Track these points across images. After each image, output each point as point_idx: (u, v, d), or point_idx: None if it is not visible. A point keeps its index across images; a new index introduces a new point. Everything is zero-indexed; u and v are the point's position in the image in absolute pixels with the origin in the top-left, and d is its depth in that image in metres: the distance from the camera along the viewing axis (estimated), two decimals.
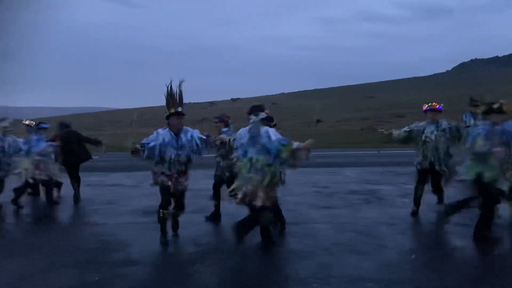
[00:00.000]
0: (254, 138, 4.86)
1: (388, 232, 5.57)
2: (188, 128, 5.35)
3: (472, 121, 6.55)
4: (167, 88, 5.11)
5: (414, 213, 6.40)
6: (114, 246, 5.18)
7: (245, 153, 4.92)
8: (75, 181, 8.38)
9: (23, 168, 7.68)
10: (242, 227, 4.89)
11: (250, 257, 4.81)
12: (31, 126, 8.20)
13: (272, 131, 4.92)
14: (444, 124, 6.33)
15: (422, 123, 6.45)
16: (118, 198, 8.43)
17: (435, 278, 3.96)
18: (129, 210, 7.31)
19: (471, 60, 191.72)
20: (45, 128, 8.06)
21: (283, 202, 7.47)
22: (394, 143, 7.03)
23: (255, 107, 5.07)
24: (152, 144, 5.10)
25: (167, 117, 5.20)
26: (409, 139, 6.53)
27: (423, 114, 6.53)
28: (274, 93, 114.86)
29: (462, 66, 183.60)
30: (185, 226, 5.79)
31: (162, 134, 5.16)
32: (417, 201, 6.45)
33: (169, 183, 5.15)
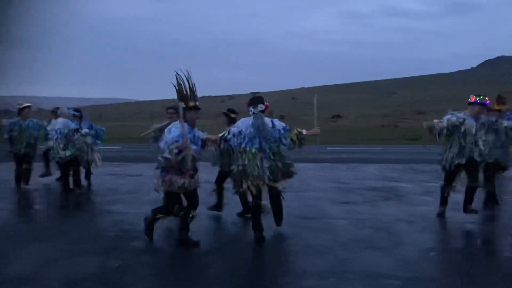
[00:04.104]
0: (259, 129, 4.89)
1: (407, 229, 5.53)
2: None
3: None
4: (184, 80, 4.83)
5: (441, 214, 6.13)
6: (135, 234, 5.28)
7: (251, 144, 4.92)
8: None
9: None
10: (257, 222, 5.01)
11: (268, 249, 4.86)
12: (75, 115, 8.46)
13: (276, 121, 5.14)
14: (483, 119, 5.95)
15: (460, 114, 5.89)
16: (139, 188, 8.57)
17: (453, 277, 3.93)
18: (150, 200, 7.42)
19: (497, 57, 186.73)
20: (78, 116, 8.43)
21: (303, 197, 7.52)
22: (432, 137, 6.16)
23: (255, 99, 5.13)
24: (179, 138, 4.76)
25: (184, 111, 4.85)
26: (447, 130, 5.84)
27: (467, 106, 5.94)
28: (294, 87, 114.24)
29: (487, 63, 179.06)
30: (205, 218, 5.87)
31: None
32: (444, 201, 6.15)
33: (183, 181, 4.76)
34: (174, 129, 4.76)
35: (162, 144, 4.79)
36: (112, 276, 3.97)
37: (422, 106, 54.80)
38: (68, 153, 7.95)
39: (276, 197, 5.33)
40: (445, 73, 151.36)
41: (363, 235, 5.27)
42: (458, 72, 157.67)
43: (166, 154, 4.65)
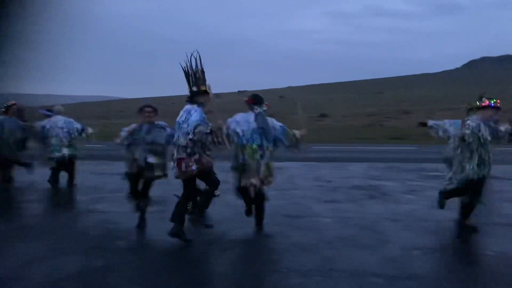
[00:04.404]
0: (264, 127, 5.01)
1: (391, 227, 5.59)
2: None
3: None
4: (196, 63, 4.81)
5: (474, 228, 5.47)
6: (119, 233, 5.24)
7: (252, 140, 5.02)
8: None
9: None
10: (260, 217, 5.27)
11: (253, 248, 4.86)
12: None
13: (274, 120, 5.29)
14: (491, 124, 5.28)
15: (474, 121, 5.21)
16: (124, 187, 8.47)
17: (437, 275, 3.98)
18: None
19: (481, 58, 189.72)
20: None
21: (289, 196, 7.55)
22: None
23: (258, 97, 5.25)
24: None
25: (196, 95, 4.85)
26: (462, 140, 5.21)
27: (469, 110, 5.42)
28: (281, 86, 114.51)
29: (472, 64, 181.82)
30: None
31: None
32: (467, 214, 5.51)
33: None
34: (195, 113, 4.74)
35: (183, 130, 4.74)
36: (96, 276, 3.93)
37: (407, 105, 55.41)
38: (69, 151, 8.00)
39: (260, 197, 5.34)
40: (430, 73, 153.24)
41: (347, 233, 5.31)
42: (443, 72, 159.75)
43: (191, 136, 4.66)
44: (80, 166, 8.95)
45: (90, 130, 8.42)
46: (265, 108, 5.19)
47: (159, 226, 5.32)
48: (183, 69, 4.86)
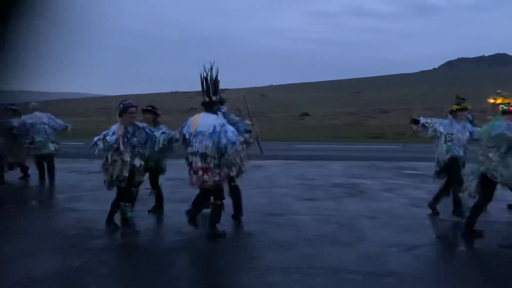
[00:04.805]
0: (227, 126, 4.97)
1: (369, 225, 5.66)
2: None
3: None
4: (212, 73, 5.00)
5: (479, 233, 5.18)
6: (96, 232, 5.17)
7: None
8: None
9: None
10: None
11: (232, 246, 4.85)
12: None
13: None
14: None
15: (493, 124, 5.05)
16: (101, 185, 8.36)
17: (413, 271, 4.05)
18: (113, 197, 7.27)
19: (458, 59, 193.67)
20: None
21: (269, 194, 7.56)
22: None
23: (222, 99, 5.39)
24: None
25: (215, 104, 5.03)
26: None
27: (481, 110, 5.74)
28: (263, 85, 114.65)
29: (449, 65, 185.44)
30: (169, 215, 5.81)
31: None
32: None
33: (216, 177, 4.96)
34: (230, 129, 4.85)
35: (211, 140, 4.77)
36: (73, 276, 3.86)
37: (386, 105, 56.18)
38: (54, 147, 8.10)
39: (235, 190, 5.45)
40: (408, 73, 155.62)
41: (326, 231, 5.35)
42: (421, 72, 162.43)
43: (229, 151, 4.78)
44: (57, 164, 8.80)
45: (70, 126, 8.50)
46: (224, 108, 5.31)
47: (138, 225, 5.27)
48: (203, 79, 4.98)
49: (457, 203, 6.01)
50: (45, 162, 8.27)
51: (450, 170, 6.07)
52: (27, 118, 8.12)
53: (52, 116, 8.29)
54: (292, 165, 11.71)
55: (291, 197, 7.41)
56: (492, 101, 5.90)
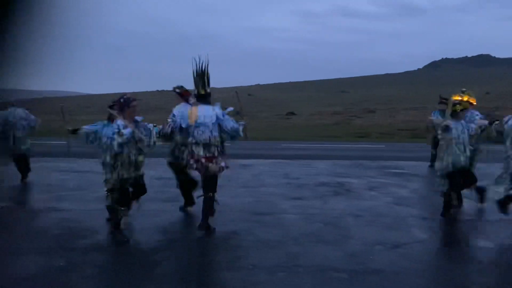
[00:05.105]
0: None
1: (354, 223, 5.71)
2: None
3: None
4: (205, 67, 5.10)
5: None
6: (81, 232, 5.11)
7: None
8: None
9: None
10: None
11: (218, 245, 4.86)
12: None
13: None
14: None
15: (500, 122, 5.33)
16: (86, 185, 8.29)
17: (398, 269, 4.10)
18: (97, 197, 7.19)
19: (442, 59, 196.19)
20: None
21: (255, 193, 7.57)
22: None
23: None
24: None
25: (209, 95, 5.21)
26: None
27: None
28: (250, 84, 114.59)
29: (433, 65, 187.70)
30: (156, 214, 5.78)
31: None
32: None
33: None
34: (228, 118, 5.09)
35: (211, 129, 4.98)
36: (57, 276, 3.83)
37: (371, 104, 56.66)
38: (29, 144, 7.99)
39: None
40: (393, 73, 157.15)
41: (312, 229, 5.39)
42: (406, 72, 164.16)
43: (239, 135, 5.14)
44: (39, 163, 8.69)
45: (39, 121, 8.31)
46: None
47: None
48: (199, 71, 5.08)
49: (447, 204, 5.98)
50: (23, 159, 8.08)
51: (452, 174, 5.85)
52: (8, 114, 7.99)
53: (27, 111, 8.13)
54: (278, 164, 11.74)
55: (278, 196, 7.43)
56: (457, 98, 5.99)
